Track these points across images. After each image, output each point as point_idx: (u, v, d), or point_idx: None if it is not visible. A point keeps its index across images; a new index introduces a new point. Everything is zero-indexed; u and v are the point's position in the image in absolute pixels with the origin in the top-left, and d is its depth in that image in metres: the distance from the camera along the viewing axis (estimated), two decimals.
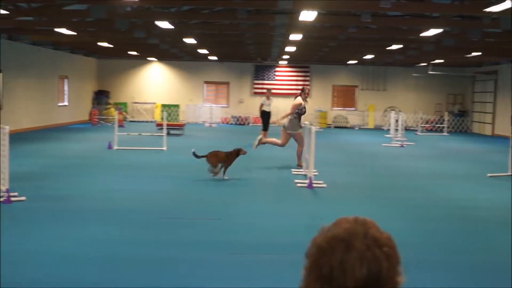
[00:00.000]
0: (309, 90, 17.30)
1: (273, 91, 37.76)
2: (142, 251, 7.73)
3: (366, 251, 1.64)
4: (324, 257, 1.67)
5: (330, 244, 1.67)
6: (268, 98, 24.57)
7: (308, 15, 16.28)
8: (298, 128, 16.82)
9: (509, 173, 16.10)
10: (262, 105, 24.25)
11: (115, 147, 20.06)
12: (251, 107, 38.33)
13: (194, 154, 14.21)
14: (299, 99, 17.03)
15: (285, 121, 17.03)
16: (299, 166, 16.27)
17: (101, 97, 36.93)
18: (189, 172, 15.20)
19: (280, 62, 38.17)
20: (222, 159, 14.09)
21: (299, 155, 16.59)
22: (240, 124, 37.70)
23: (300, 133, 16.74)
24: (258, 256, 7.58)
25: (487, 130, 35.32)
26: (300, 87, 38.57)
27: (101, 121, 34.19)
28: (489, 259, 7.88)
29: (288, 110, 17.13)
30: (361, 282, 1.62)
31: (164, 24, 19.26)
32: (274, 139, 17.47)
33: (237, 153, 14.39)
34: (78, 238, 8.22)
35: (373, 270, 1.63)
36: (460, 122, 37.96)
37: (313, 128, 13.79)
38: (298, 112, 16.86)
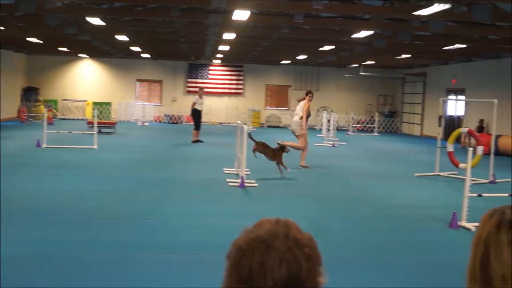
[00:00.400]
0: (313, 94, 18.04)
1: (207, 90, 37.83)
2: (72, 251, 7.61)
3: (286, 252, 1.64)
4: (244, 259, 1.67)
5: (251, 245, 1.67)
6: (200, 96, 24.46)
7: (241, 15, 16.31)
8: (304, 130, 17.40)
9: (436, 173, 16.53)
10: (194, 103, 24.12)
11: (44, 145, 19.64)
12: (184, 106, 38.12)
13: (250, 136, 14.92)
14: (307, 103, 17.42)
15: (293, 126, 17.71)
16: (304, 167, 16.93)
17: (30, 93, 36.08)
18: (120, 171, 15.05)
19: (214, 61, 38.13)
20: (265, 151, 15.30)
21: (303, 156, 17.33)
22: (173, 123, 37.50)
23: (305, 134, 17.40)
24: (187, 256, 7.57)
25: (416, 131, 36.14)
26: (234, 87, 38.81)
27: (30, 119, 33.43)
28: (416, 257, 8.06)
29: (302, 114, 17.39)
30: (280, 283, 1.62)
31: (96, 21, 18.97)
32: (294, 144, 17.42)
33: (283, 149, 15.29)
34: (5, 239, 8.02)
35: (293, 270, 1.64)
36: (390, 123, 38.75)
37: (245, 128, 13.82)
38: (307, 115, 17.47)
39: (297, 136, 17.51)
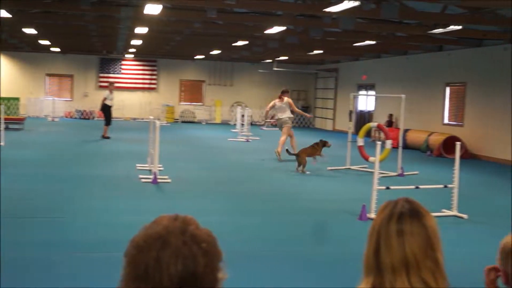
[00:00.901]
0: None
1: (120, 85, 37.37)
2: None
3: (182, 248, 1.65)
4: (140, 255, 1.67)
5: (147, 242, 1.68)
6: (110, 91, 24.03)
7: (153, 9, 16.17)
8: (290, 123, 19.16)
9: (347, 166, 16.87)
10: (105, 98, 23.78)
11: None
12: (96, 101, 37.24)
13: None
14: (289, 100, 19.35)
15: (280, 121, 19.19)
16: (286, 153, 17.63)
17: None
18: (29, 168, 14.67)
19: (127, 56, 37.67)
20: (310, 153, 16.45)
21: (282, 144, 18.76)
22: (84, 118, 36.82)
23: (290, 127, 19.18)
24: (99, 255, 7.45)
25: (329, 126, 36.76)
26: (147, 82, 38.42)
27: None
28: (326, 249, 8.19)
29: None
30: (176, 279, 1.63)
31: (2, 13, 18.40)
32: (281, 142, 18.94)
33: (324, 144, 16.65)
34: None
35: (189, 266, 1.65)
36: (304, 118, 39.18)
37: (157, 123, 13.71)
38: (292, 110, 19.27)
39: (284, 128, 19.04)
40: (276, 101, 19.34)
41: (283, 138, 18.96)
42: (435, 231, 2.16)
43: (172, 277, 1.63)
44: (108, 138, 23.10)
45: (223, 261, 1.77)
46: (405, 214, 2.14)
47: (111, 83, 25.15)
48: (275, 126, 31.37)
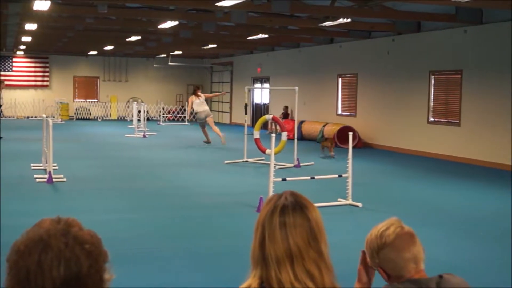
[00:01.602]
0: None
1: (11, 82, 36.19)
2: None
3: (64, 250, 1.63)
4: (21, 260, 1.64)
5: (28, 245, 1.65)
6: (0, 90, 23.07)
7: (42, 5, 15.68)
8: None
9: (244, 159, 16.94)
10: None
11: None
12: None
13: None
14: (205, 94, 23.13)
15: (204, 113, 21.67)
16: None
17: None
18: None
19: (18, 53, 36.44)
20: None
21: (218, 132, 21.50)
22: None
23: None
24: None
25: (226, 119, 36.85)
26: (39, 79, 37.31)
27: None
28: (225, 243, 8.20)
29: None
30: (59, 282, 1.61)
31: None
32: (217, 131, 21.68)
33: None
34: None
35: (72, 268, 1.63)
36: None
37: (50, 121, 13.32)
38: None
39: (208, 121, 21.71)
40: (194, 99, 21.65)
41: (215, 128, 21.66)
42: (319, 222, 2.18)
43: (55, 280, 1.61)
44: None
45: (108, 261, 1.75)
46: (288, 207, 2.16)
47: (1, 81, 24.06)
48: (172, 120, 31.30)
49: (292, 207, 2.17)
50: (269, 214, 2.17)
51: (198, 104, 21.56)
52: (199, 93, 21.71)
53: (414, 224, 3.13)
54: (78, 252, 1.64)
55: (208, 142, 21.80)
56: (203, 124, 21.93)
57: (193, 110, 22.44)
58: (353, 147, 11.49)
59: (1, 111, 22.78)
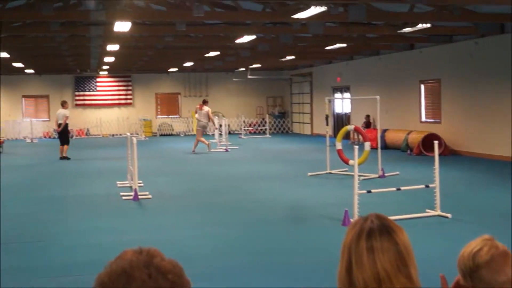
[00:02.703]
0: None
1: (96, 102, 37.35)
2: None
3: (148, 281, 1.63)
4: None
5: (111, 278, 1.65)
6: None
7: (122, 26, 16.07)
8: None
9: (328, 171, 16.80)
10: (67, 117, 22.60)
11: None
12: (74, 119, 37.30)
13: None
14: (208, 110, 24.82)
15: (203, 124, 24.73)
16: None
17: None
18: (8, 192, 14.43)
19: (101, 73, 37.51)
20: None
21: (202, 141, 24.60)
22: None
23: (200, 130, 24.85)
24: (81, 277, 7.31)
25: (307, 130, 36.75)
26: (123, 97, 38.17)
27: None
28: (311, 257, 8.10)
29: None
30: None
31: None
32: (199, 141, 24.81)
33: None
34: None
35: None
36: (281, 124, 39.24)
37: (134, 139, 13.58)
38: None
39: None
40: (198, 108, 24.86)
41: (199, 138, 24.80)
42: (407, 246, 2.13)
43: None
44: (68, 158, 22.28)
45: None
46: (375, 231, 2.12)
47: (65, 101, 23.74)
48: (253, 133, 31.41)
49: (379, 231, 2.11)
50: (355, 238, 2.12)
51: (199, 114, 24.67)
52: (201, 106, 24.85)
53: (507, 239, 2.98)
54: (162, 283, 1.63)
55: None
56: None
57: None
58: (440, 155, 11.20)
59: (70, 134, 22.66)
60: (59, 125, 22.40)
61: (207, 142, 24.63)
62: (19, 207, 12.58)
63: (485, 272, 2.49)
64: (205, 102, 25.24)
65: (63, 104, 23.05)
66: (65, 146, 22.42)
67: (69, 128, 36.38)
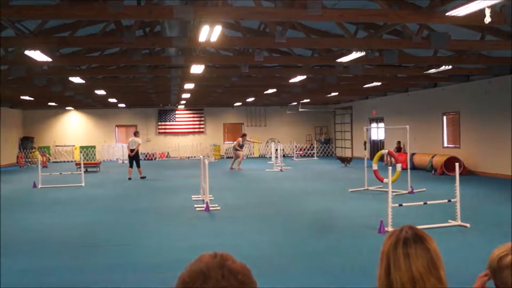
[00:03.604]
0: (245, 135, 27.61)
1: (175, 130, 37.88)
2: (65, 277, 7.38)
3: (221, 280, 1.65)
4: None
5: (192, 277, 1.68)
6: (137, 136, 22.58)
7: (197, 68, 16.33)
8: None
9: (365, 188, 16.64)
10: (139, 144, 22.25)
11: (40, 186, 19.21)
12: (156, 145, 38.07)
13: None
14: (240, 140, 26.90)
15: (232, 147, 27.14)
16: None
17: (26, 142, 35.30)
18: (104, 204, 14.77)
19: (179, 106, 38.01)
20: None
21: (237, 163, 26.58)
22: (148, 159, 37.07)
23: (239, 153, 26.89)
24: (166, 275, 7.40)
25: (348, 153, 36.42)
26: (197, 126, 38.35)
27: (27, 163, 32.75)
28: (352, 260, 8.02)
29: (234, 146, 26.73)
30: None
31: (77, 79, 18.79)
32: (237, 161, 26.59)
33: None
34: (5, 270, 7.74)
35: None
36: (326, 148, 39.03)
37: (206, 161, 13.72)
38: (240, 145, 26.84)
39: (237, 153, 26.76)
40: (240, 140, 26.86)
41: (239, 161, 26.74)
42: (437, 252, 2.14)
43: None
44: (145, 177, 22.20)
45: None
46: (410, 239, 2.13)
47: (137, 131, 23.33)
48: (303, 156, 31.30)
49: (413, 240, 2.12)
50: (393, 246, 2.13)
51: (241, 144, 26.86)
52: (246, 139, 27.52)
53: None
54: (233, 282, 1.65)
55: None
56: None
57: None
58: (459, 175, 10.99)
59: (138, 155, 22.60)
60: (132, 150, 22.02)
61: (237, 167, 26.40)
62: (110, 215, 12.83)
63: (506, 274, 2.47)
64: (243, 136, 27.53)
65: (136, 134, 22.74)
66: (139, 169, 22.09)
67: (152, 152, 37.44)
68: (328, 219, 11.69)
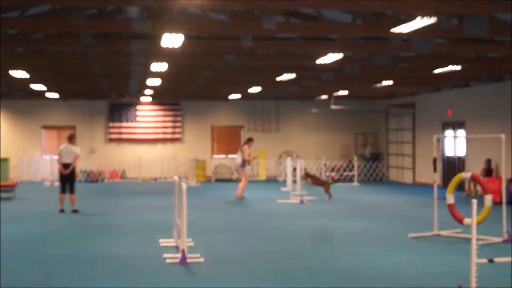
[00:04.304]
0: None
1: (136, 136, 37.95)
2: None
3: None
4: None
5: None
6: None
7: (172, 40, 16.33)
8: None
9: (435, 232, 16.55)
10: (78, 156, 22.22)
11: None
12: (106, 159, 38.05)
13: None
14: (246, 148, 27.39)
15: (239, 162, 27.28)
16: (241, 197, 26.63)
17: None
18: (22, 249, 14.68)
19: (143, 99, 38.02)
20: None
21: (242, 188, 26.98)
22: (92, 181, 37.03)
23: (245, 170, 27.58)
24: None
25: (407, 177, 36.34)
26: (170, 131, 38.73)
27: None
28: None
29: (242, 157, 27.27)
30: None
31: None
32: (241, 186, 27.05)
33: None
34: None
35: None
36: (374, 168, 38.98)
37: (184, 185, 13.66)
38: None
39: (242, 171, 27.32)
40: (246, 149, 27.35)
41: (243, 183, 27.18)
42: None
43: None
44: (77, 211, 21.80)
45: None
46: None
47: (73, 135, 23.10)
48: (337, 180, 31.39)
49: None
50: None
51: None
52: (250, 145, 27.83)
53: None
54: None
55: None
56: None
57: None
58: None
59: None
60: (65, 165, 21.79)
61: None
62: (36, 268, 12.73)
63: None
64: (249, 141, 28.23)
65: (71, 139, 22.40)
66: (72, 196, 21.88)
67: (98, 169, 37.43)
68: (375, 281, 11.63)
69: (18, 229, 18.08)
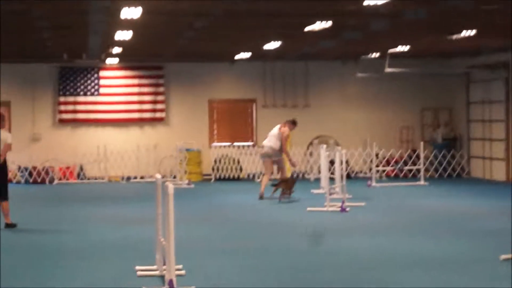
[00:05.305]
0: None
1: (98, 116, 38.04)
2: None
3: None
4: None
5: None
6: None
7: None
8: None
9: None
10: (8, 146, 22.05)
11: None
12: (55, 149, 38.14)
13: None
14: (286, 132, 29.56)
15: (267, 150, 29.56)
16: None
17: None
18: None
19: (108, 62, 38.06)
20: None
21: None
22: (35, 183, 37.15)
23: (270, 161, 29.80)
24: None
25: (498, 173, 36.36)
26: (149, 107, 38.88)
27: None
28: None
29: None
30: None
31: None
32: (264, 182, 29.56)
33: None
34: None
35: None
36: (449, 160, 38.93)
37: (170, 187, 13.75)
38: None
39: (277, 161, 29.85)
40: (287, 131, 29.58)
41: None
42: None
43: None
44: (14, 226, 21.89)
45: None
46: None
47: (2, 115, 22.83)
48: (394, 178, 31.48)
49: None
50: None
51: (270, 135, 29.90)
52: (285, 125, 29.83)
53: None
54: None
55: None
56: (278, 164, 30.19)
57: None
58: None
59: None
60: None
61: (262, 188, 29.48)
62: None
63: None
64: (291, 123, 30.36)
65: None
66: (4, 204, 21.83)
67: (43, 164, 37.51)
68: None
69: None
